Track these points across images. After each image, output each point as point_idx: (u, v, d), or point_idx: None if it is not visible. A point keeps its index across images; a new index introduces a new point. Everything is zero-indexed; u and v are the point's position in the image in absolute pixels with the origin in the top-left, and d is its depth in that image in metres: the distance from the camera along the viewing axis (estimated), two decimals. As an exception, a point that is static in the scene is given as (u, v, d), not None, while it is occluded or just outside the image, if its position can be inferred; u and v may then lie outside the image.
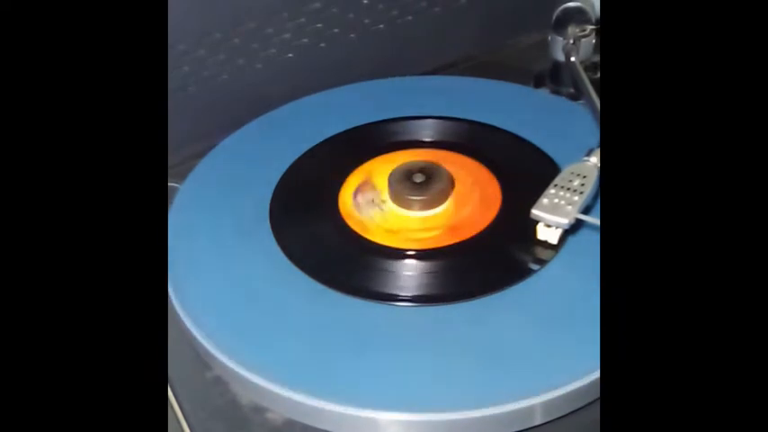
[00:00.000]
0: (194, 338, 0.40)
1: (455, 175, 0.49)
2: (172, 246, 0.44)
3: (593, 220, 0.41)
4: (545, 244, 0.42)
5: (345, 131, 0.54)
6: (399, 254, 0.43)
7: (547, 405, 0.35)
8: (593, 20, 0.56)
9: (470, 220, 0.46)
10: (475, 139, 0.53)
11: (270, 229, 0.46)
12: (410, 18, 0.65)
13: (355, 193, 0.48)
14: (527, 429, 0.36)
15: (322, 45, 0.62)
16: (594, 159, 0.44)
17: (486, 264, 0.43)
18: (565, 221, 0.41)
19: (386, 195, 0.48)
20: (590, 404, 0.37)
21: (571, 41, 0.55)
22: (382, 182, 0.49)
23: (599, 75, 0.56)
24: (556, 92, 0.60)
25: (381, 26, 0.64)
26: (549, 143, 0.51)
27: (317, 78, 0.61)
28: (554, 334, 0.38)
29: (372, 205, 0.47)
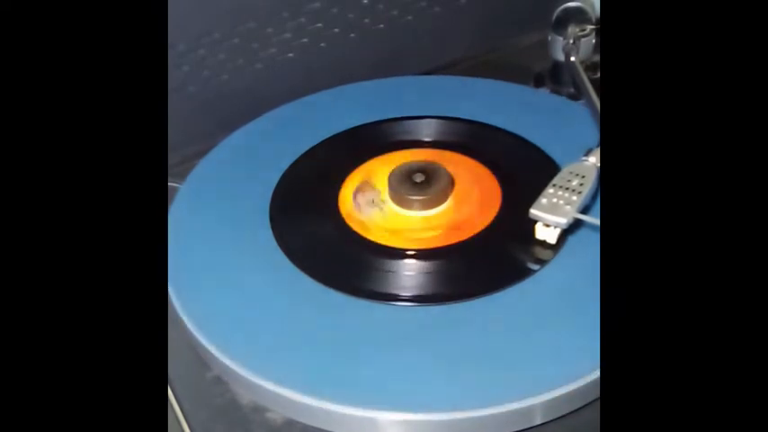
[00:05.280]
0: (194, 338, 0.40)
1: (455, 175, 0.49)
2: (172, 246, 0.44)
3: (592, 219, 0.41)
4: (544, 244, 0.42)
5: (345, 131, 0.54)
6: (399, 254, 0.44)
7: (547, 405, 0.35)
8: (594, 20, 0.56)
9: (470, 220, 0.46)
10: (475, 139, 0.53)
11: (270, 230, 0.46)
12: (410, 18, 0.65)
13: (355, 194, 0.48)
14: (527, 429, 0.36)
15: (322, 45, 0.62)
16: (593, 159, 0.44)
17: (485, 264, 0.43)
18: (563, 221, 0.41)
19: (386, 195, 0.48)
20: (590, 404, 0.37)
21: (571, 41, 0.55)
22: (382, 182, 0.49)
23: (599, 75, 0.56)
24: (556, 92, 0.61)
25: (381, 26, 0.64)
26: (549, 143, 0.51)
27: (317, 78, 0.61)
28: (554, 334, 0.38)
29: (372, 205, 0.47)
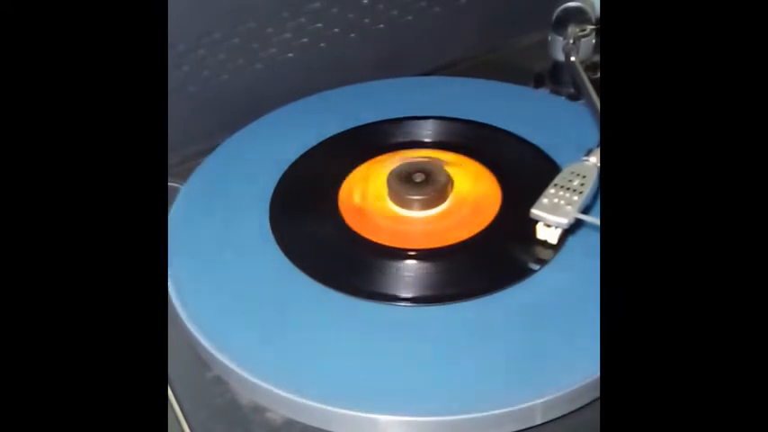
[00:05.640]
0: (194, 338, 0.40)
1: (455, 175, 0.49)
2: (172, 245, 0.44)
3: (593, 219, 0.41)
4: (545, 244, 0.42)
5: (345, 131, 0.54)
6: (399, 254, 0.43)
7: (547, 405, 0.35)
8: (594, 20, 0.56)
9: (470, 219, 0.46)
10: (475, 139, 0.53)
11: (270, 230, 0.46)
12: (410, 18, 0.65)
13: None
14: (527, 429, 0.36)
15: (322, 45, 0.62)
16: (594, 159, 0.44)
17: (486, 264, 0.43)
18: (564, 221, 0.41)
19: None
20: (590, 404, 0.37)
21: (571, 41, 0.55)
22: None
23: (599, 75, 0.56)
24: (556, 92, 0.61)
25: (381, 26, 0.64)
26: (549, 143, 0.51)
27: (317, 78, 0.61)
28: (554, 334, 0.38)
29: None
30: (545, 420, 0.36)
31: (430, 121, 0.55)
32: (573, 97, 0.59)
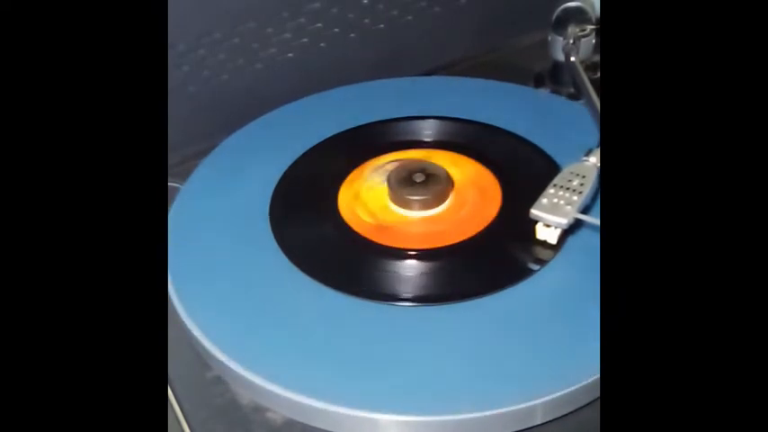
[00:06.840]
0: (194, 338, 0.40)
1: (455, 176, 0.49)
2: (172, 245, 0.44)
3: (592, 219, 0.41)
4: (545, 244, 0.42)
5: (345, 131, 0.54)
6: (399, 254, 0.44)
7: (547, 405, 0.35)
8: (594, 20, 0.57)
9: (470, 220, 0.46)
10: (475, 139, 0.53)
11: (270, 230, 0.46)
12: (410, 18, 0.65)
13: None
14: (527, 429, 0.36)
15: (322, 45, 0.62)
16: (593, 159, 0.44)
17: (486, 264, 0.43)
18: (564, 221, 0.41)
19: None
20: (590, 404, 0.37)
21: (571, 41, 0.55)
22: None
23: (599, 75, 0.56)
24: (556, 92, 0.61)
25: (381, 26, 0.64)
26: (549, 143, 0.51)
27: (317, 78, 0.61)
28: (554, 334, 0.38)
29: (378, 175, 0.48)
30: (545, 420, 0.36)
31: (430, 121, 0.55)
32: (573, 97, 0.59)
